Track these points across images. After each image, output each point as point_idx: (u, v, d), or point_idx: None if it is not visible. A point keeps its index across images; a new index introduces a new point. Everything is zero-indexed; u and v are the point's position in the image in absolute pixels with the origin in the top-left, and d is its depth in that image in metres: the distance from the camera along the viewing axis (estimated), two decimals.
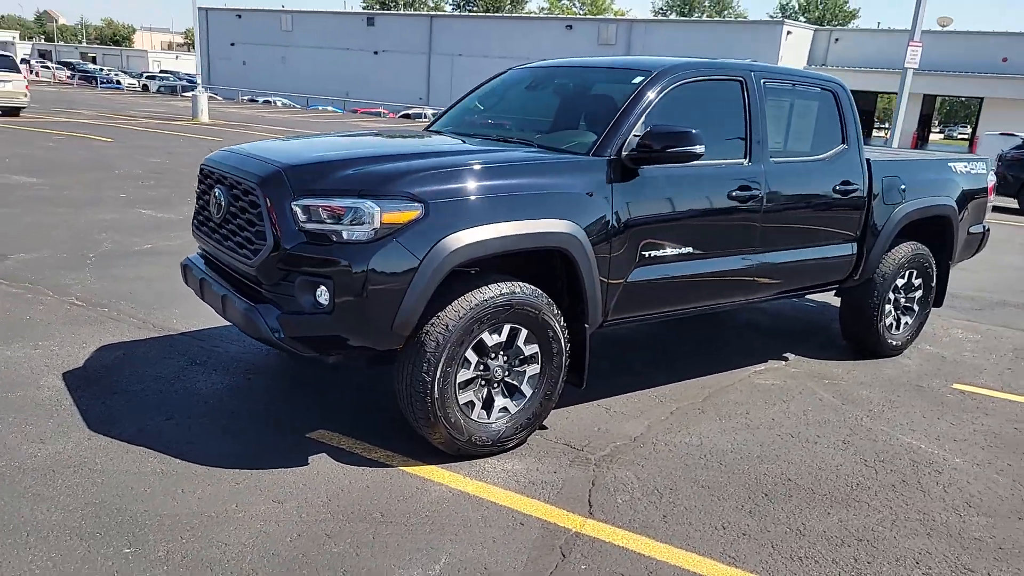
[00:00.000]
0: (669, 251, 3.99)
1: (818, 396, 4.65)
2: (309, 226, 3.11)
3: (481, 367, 3.44)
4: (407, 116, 44.43)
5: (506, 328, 3.44)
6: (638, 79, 4.08)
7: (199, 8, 62.12)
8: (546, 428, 3.90)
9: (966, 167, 5.79)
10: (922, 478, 3.66)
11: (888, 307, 5.39)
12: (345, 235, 3.08)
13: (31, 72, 60.55)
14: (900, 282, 5.41)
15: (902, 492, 3.51)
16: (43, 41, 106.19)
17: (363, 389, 4.21)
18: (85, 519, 2.78)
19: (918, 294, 5.57)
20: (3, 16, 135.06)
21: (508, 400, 3.57)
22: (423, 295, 3.13)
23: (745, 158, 4.32)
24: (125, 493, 2.97)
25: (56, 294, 5.50)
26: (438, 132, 4.71)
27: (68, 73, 60.08)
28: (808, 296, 6.01)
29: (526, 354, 3.55)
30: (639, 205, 3.82)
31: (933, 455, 3.93)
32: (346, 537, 2.80)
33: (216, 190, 3.61)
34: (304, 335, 3.17)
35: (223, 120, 26.62)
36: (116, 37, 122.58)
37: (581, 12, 76.54)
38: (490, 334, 3.40)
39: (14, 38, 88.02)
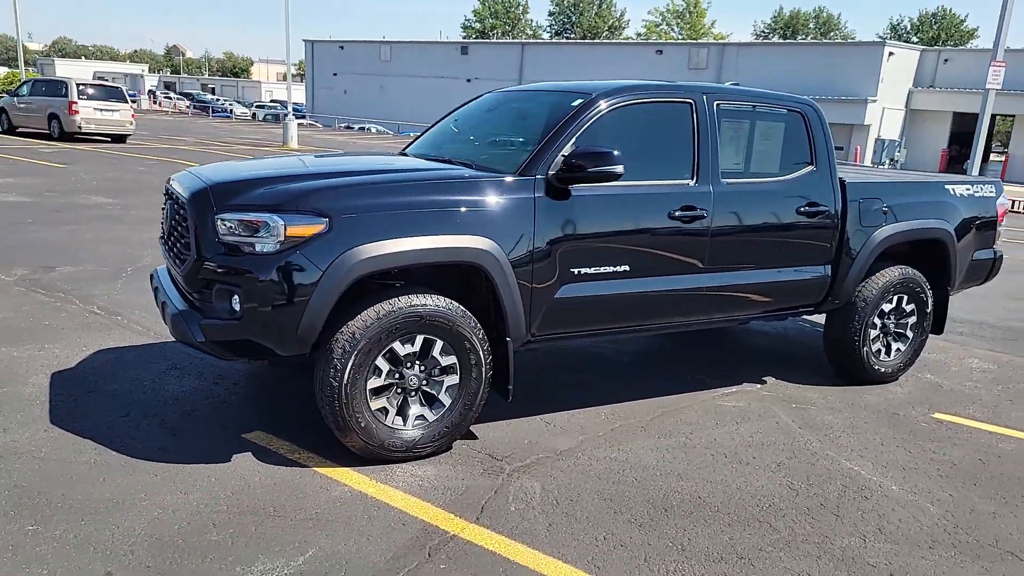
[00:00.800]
0: (602, 269, 4.06)
1: (776, 420, 4.58)
2: (227, 238, 3.39)
3: (396, 376, 3.62)
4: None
5: (419, 339, 3.61)
6: (576, 102, 4.20)
7: (304, 40, 65.67)
8: (476, 438, 4.03)
9: (968, 190, 5.57)
10: (844, 504, 3.57)
11: (873, 332, 5.23)
12: (256, 247, 3.35)
13: (154, 102, 65.56)
14: (887, 307, 5.24)
15: (815, 516, 3.44)
16: (169, 73, 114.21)
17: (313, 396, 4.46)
18: (6, 499, 3.11)
19: (911, 320, 5.37)
20: (136, 51, 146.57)
21: (426, 409, 3.73)
22: (325, 304, 3.35)
23: (692, 179, 4.34)
24: (52, 479, 3.30)
25: (82, 303, 6.05)
26: (404, 154, 4.96)
27: (187, 103, 64.47)
28: (808, 318, 5.89)
29: (443, 364, 3.71)
30: (567, 223, 3.92)
31: (869, 482, 3.81)
32: (230, 528, 3.02)
33: (167, 205, 3.96)
34: (220, 339, 3.44)
35: (310, 146, 27.96)
36: (235, 69, 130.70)
37: (680, 36, 76.08)
38: (402, 344, 3.58)
39: (143, 71, 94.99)
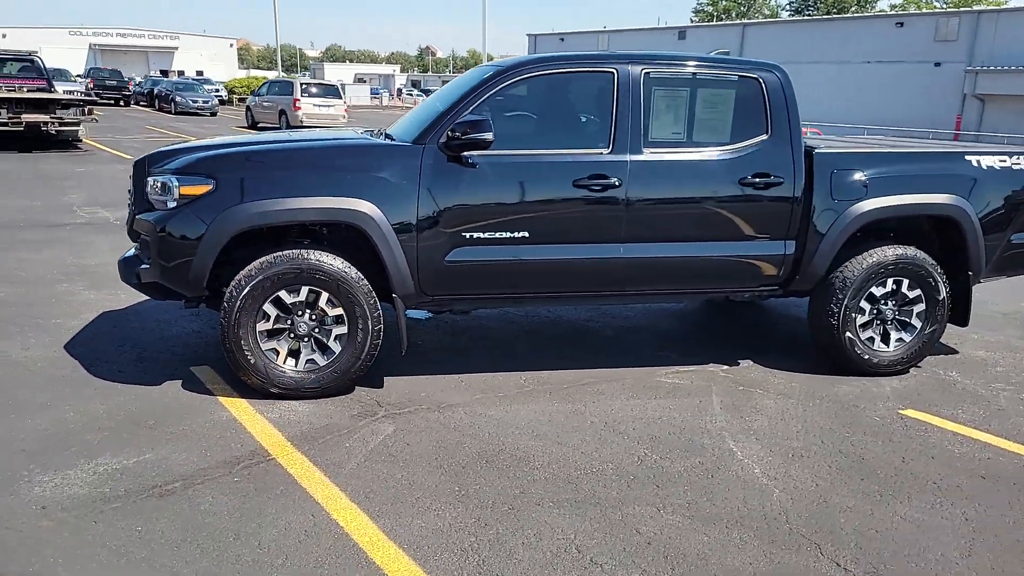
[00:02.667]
0: (497, 235, 4.22)
1: (702, 399, 4.42)
2: (151, 197, 4.07)
3: (286, 321, 4.09)
4: None
5: (304, 290, 4.05)
6: (488, 74, 4.37)
7: (528, 35, 67.84)
8: (381, 387, 4.39)
9: (1002, 161, 4.86)
10: (679, 478, 3.48)
11: (861, 318, 4.79)
12: (166, 204, 3.99)
13: (398, 98, 71.52)
14: (878, 291, 4.77)
15: (632, 485, 3.40)
16: (417, 72, 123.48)
17: None
18: None
19: (917, 308, 4.83)
20: (393, 53, 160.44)
21: (317, 354, 4.17)
22: (210, 253, 3.91)
23: (607, 148, 4.33)
24: (21, 384, 4.19)
25: None
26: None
27: (424, 97, 69.62)
28: None
29: (331, 315, 4.12)
30: (459, 190, 4.14)
31: (732, 463, 3.65)
32: (106, 431, 3.68)
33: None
34: (143, 282, 4.13)
35: None
36: (476, 64, 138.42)
37: (943, 5, 67.82)
38: (288, 293, 4.04)
39: (395, 71, 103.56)
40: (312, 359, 4.16)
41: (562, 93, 4.48)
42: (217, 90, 43.90)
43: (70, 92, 28.20)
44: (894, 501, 3.35)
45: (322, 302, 4.09)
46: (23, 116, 15.95)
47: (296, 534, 2.90)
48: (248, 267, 3.98)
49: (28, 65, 20.06)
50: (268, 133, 5.84)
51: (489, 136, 3.94)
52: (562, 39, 65.65)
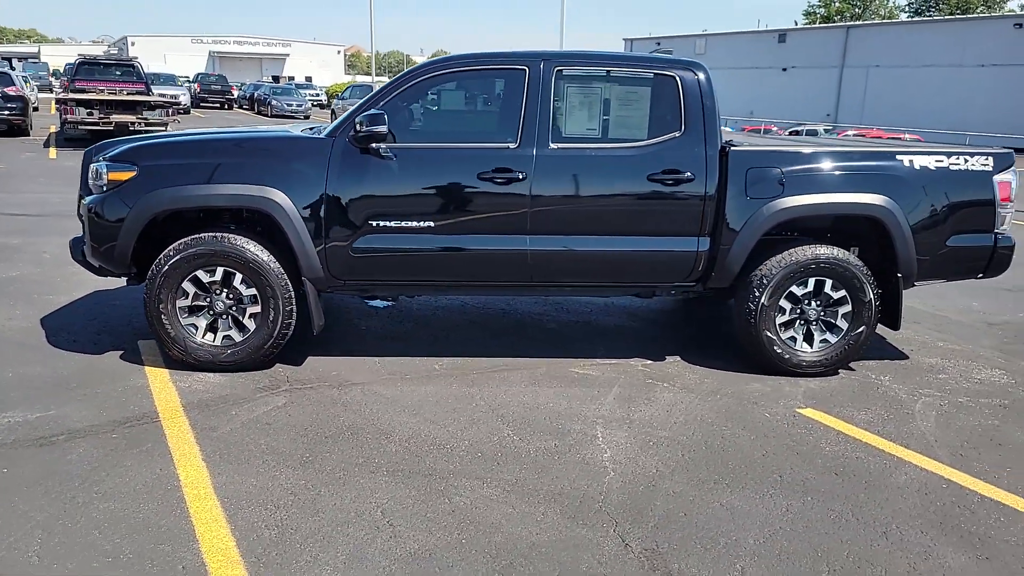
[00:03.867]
0: (403, 223, 4.45)
1: (600, 389, 4.50)
2: (90, 182, 4.53)
3: (204, 299, 4.46)
4: (796, 133, 42.63)
5: (219, 270, 4.40)
6: (406, 72, 4.61)
7: (624, 39, 67.54)
8: (300, 365, 4.70)
9: (939, 162, 4.71)
10: (523, 456, 3.61)
11: (782, 318, 4.74)
12: (101, 188, 4.43)
13: None
14: (800, 290, 4.71)
15: (468, 459, 3.57)
16: None
17: None
18: None
19: (843, 308, 4.74)
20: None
21: (234, 330, 4.52)
22: (131, 233, 4.31)
23: (515, 142, 4.48)
24: None
25: None
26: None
27: None
28: None
29: (244, 294, 4.46)
30: (366, 180, 4.40)
31: (587, 446, 3.74)
32: (33, 389, 4.12)
33: None
34: (84, 260, 4.59)
35: None
36: None
37: None
38: (205, 272, 4.41)
39: None
40: (228, 335, 4.50)
41: (477, 90, 4.67)
42: (317, 94, 45.99)
43: (175, 96, 30.27)
44: (724, 489, 3.38)
45: (236, 282, 4.42)
46: (112, 116, 17.37)
47: (136, 484, 3.23)
48: (169, 247, 4.36)
49: (129, 70, 21.80)
50: (215, 128, 6.25)
51: (383, 129, 4.18)
52: (658, 43, 64.95)
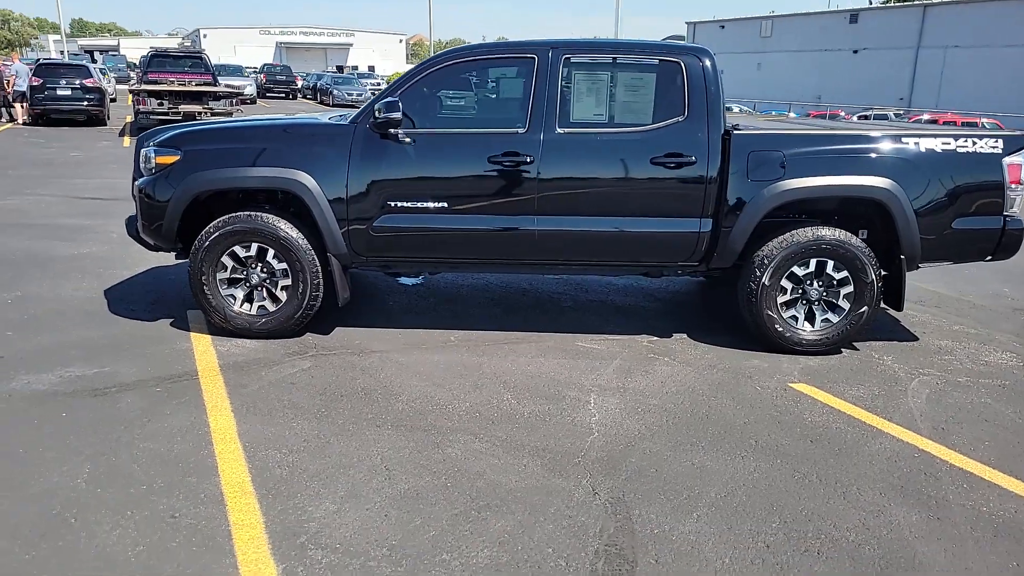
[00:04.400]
0: (418, 204, 4.79)
1: (601, 362, 4.77)
2: (142, 165, 5.02)
3: (241, 272, 4.90)
4: (864, 117, 41.43)
5: (254, 246, 4.84)
6: (422, 62, 4.95)
7: (687, 23, 66.41)
8: (328, 334, 5.12)
9: (945, 144, 4.80)
10: (509, 417, 3.92)
11: (783, 297, 4.92)
12: (150, 171, 4.91)
13: None
14: (801, 271, 4.88)
15: (468, 419, 3.89)
16: None
17: None
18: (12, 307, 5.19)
19: (845, 289, 4.90)
20: None
21: (268, 301, 4.95)
22: (176, 212, 4.77)
23: (524, 128, 4.77)
24: (55, 314, 5.30)
25: None
26: None
27: None
28: None
29: (277, 268, 4.89)
30: (385, 164, 4.76)
31: (576, 410, 4.03)
32: (88, 348, 4.64)
33: None
34: (137, 236, 5.09)
35: None
36: None
37: None
38: (243, 248, 4.85)
39: None
40: (263, 305, 4.94)
41: (491, 78, 4.97)
42: (378, 83, 46.88)
43: (241, 87, 31.37)
44: (699, 450, 3.63)
45: (269, 257, 4.85)
46: (180, 106, 18.30)
47: (172, 428, 3.67)
48: (209, 225, 4.82)
49: (197, 61, 22.79)
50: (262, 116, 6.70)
51: (397, 115, 4.53)
52: (722, 27, 63.84)
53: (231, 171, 4.75)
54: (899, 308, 5.00)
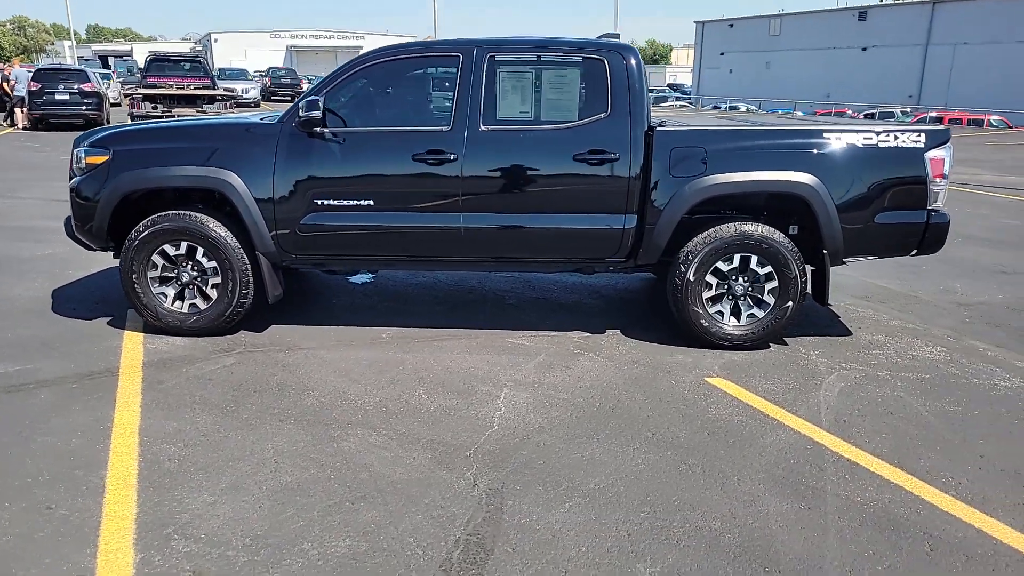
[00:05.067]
0: (345, 202, 4.85)
1: (524, 357, 4.81)
2: (73, 166, 5.10)
3: (172, 270, 4.98)
4: (871, 115, 41.12)
5: (184, 244, 4.92)
6: (348, 61, 5.01)
7: (695, 22, 66.20)
8: (262, 332, 5.19)
9: (867, 139, 4.81)
10: (414, 411, 3.97)
11: (708, 293, 4.94)
12: (79, 171, 5.00)
13: None
14: (725, 266, 4.90)
15: (372, 413, 3.95)
16: None
17: None
18: None
19: (770, 284, 4.91)
20: None
21: (199, 299, 5.03)
22: (106, 211, 4.86)
23: (448, 125, 4.82)
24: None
25: None
26: None
27: None
28: None
29: (206, 267, 4.96)
30: (310, 162, 4.82)
31: (483, 404, 4.07)
32: (12, 347, 4.74)
33: None
34: (73, 236, 5.18)
35: None
36: (656, 56, 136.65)
37: None
38: (172, 247, 4.93)
39: None
40: (194, 303, 5.02)
41: (418, 77, 5.03)
42: None
43: (245, 90, 31.62)
44: (593, 443, 3.66)
45: (199, 255, 4.93)
46: (174, 110, 18.52)
47: (76, 423, 3.75)
48: (139, 224, 4.90)
49: (196, 65, 23.04)
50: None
51: (317, 114, 4.60)
52: (731, 25, 63.57)
53: (157, 170, 4.84)
54: (823, 303, 5.00)
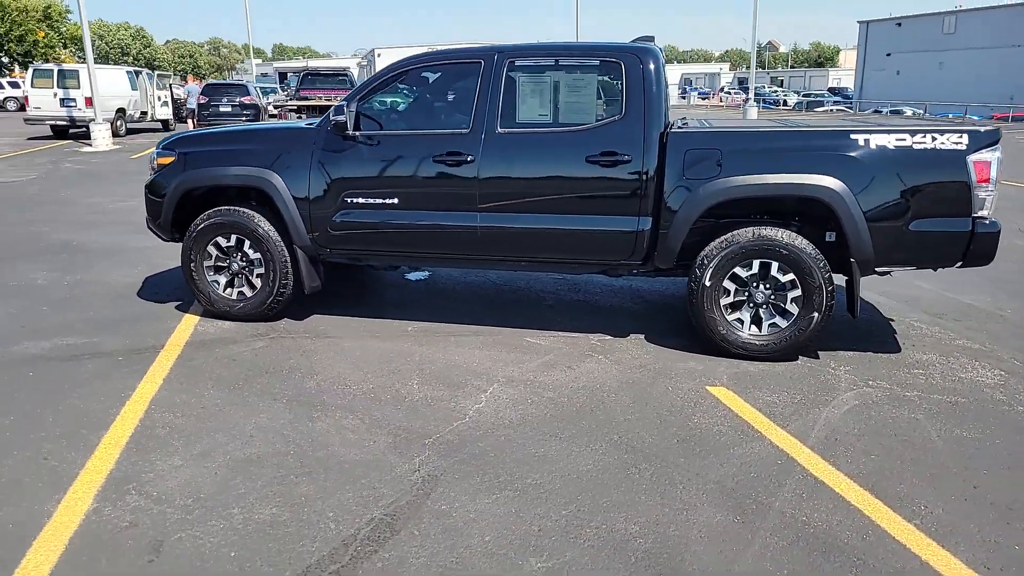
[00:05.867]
0: (372, 201, 5.14)
1: (532, 356, 4.87)
2: (150, 166, 5.72)
3: (223, 261, 5.47)
4: None
5: (234, 237, 5.39)
6: (381, 70, 5.29)
7: (859, 22, 62.33)
8: (301, 320, 5.58)
9: (902, 141, 4.50)
10: (398, 400, 4.15)
11: (726, 299, 4.80)
12: (152, 171, 5.61)
13: (713, 97, 69.91)
14: (744, 272, 4.74)
15: (359, 399, 4.17)
16: (744, 70, 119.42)
17: None
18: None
19: (793, 293, 4.69)
20: (727, 51, 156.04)
21: (247, 287, 5.49)
22: (170, 206, 5.42)
23: (467, 128, 4.99)
24: (98, 290, 6.16)
25: None
26: None
27: (743, 96, 65.82)
28: None
29: (252, 258, 5.41)
30: (342, 163, 5.15)
31: (467, 397, 4.19)
32: (89, 324, 5.38)
33: None
34: (152, 227, 5.79)
35: None
36: (820, 59, 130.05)
37: None
38: (224, 239, 5.41)
39: (721, 69, 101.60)
40: (242, 291, 5.48)
41: (439, 82, 5.22)
42: None
43: None
44: (555, 441, 3.69)
45: (247, 247, 5.38)
46: None
47: (104, 390, 4.24)
48: (197, 218, 5.43)
49: (343, 79, 24.68)
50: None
51: (341, 119, 4.91)
52: (899, 24, 59.47)
53: (211, 170, 5.33)
54: (853, 314, 4.69)
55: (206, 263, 5.47)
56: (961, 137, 4.41)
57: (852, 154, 4.49)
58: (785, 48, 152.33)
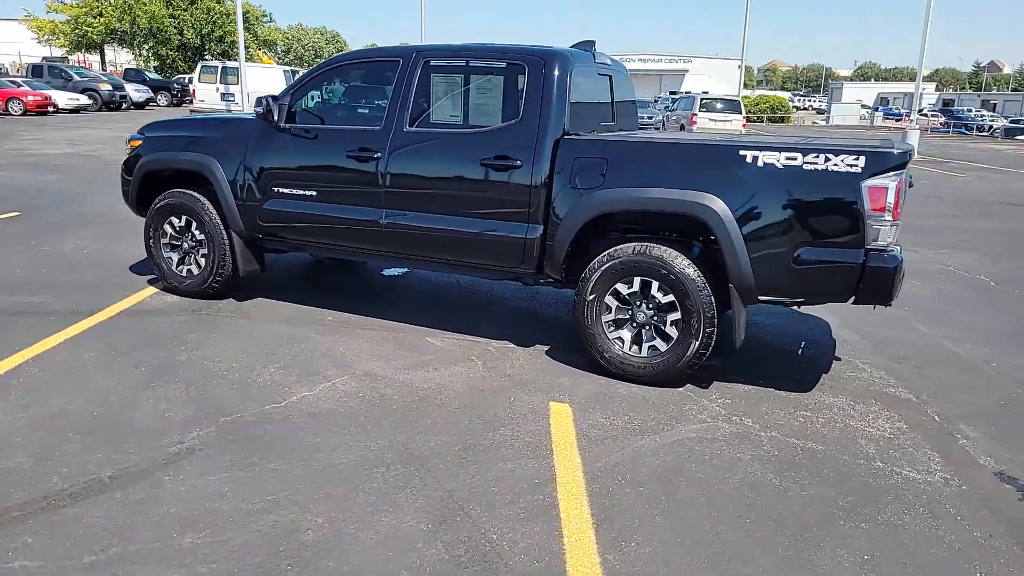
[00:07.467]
0: (294, 191, 5.38)
1: (426, 356, 4.90)
2: (124, 147, 6.30)
3: (176, 239, 5.92)
4: None
5: (184, 218, 5.83)
6: (315, 66, 5.53)
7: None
8: (244, 301, 5.93)
9: (789, 159, 4.11)
10: (287, 389, 4.34)
11: (607, 316, 4.59)
12: (125, 151, 6.18)
13: (904, 120, 64.09)
14: (624, 289, 4.52)
15: (254, 386, 4.41)
16: (951, 91, 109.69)
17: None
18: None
19: (673, 315, 4.42)
20: (937, 69, 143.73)
21: (193, 265, 5.89)
22: (135, 184, 5.95)
23: (379, 125, 5.10)
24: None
25: None
26: None
27: (941, 119, 59.12)
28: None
29: (198, 238, 5.83)
30: (271, 152, 5.43)
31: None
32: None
33: None
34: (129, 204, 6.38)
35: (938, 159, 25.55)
36: None
37: None
38: (177, 219, 5.87)
39: (922, 89, 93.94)
40: (190, 269, 5.90)
41: (365, 79, 5.37)
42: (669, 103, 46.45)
43: None
44: (336, 433, 3.74)
45: (193, 228, 5.80)
46: None
47: (7, 342, 4.75)
48: (157, 199, 5.92)
49: None
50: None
51: (260, 109, 5.19)
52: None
53: (167, 155, 5.80)
54: (734, 345, 4.32)
55: (163, 240, 5.93)
56: (857, 159, 3.95)
57: (737, 171, 4.15)
58: (1010, 69, 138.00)
